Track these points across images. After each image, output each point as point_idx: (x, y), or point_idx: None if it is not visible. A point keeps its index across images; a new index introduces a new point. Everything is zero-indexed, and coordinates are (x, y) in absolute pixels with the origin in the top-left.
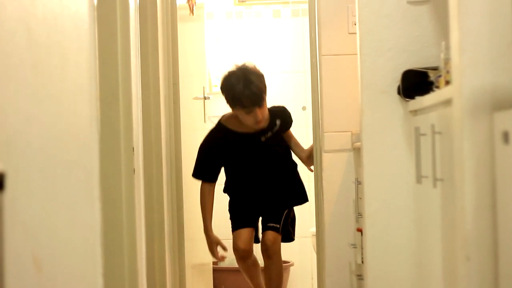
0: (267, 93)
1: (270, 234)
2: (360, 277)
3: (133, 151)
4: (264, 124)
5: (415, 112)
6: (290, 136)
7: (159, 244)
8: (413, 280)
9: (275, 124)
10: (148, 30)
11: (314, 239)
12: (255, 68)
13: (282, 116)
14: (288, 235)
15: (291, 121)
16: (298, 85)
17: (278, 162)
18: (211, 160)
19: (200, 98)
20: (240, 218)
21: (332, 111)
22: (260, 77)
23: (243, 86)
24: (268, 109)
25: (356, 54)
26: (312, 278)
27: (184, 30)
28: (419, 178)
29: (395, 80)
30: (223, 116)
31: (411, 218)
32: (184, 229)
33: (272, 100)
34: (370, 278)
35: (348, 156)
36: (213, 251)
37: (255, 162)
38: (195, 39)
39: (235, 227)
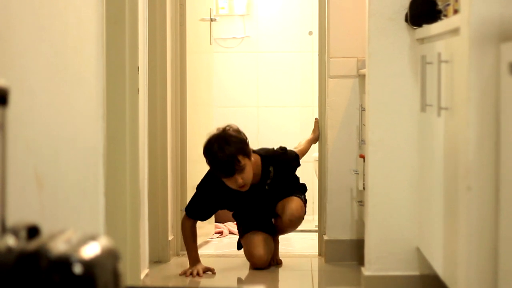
0: (249, 155)
1: (295, 199)
2: (361, 203)
3: (138, 70)
4: (248, 186)
5: (422, 40)
6: (302, 152)
7: (162, 164)
8: (414, 208)
9: (269, 172)
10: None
11: (317, 164)
12: (236, 132)
13: (276, 163)
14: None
15: (292, 165)
16: (305, 9)
17: (285, 195)
18: (208, 204)
19: (206, 20)
20: (249, 220)
21: (338, 37)
22: (238, 143)
23: (219, 155)
24: (261, 155)
25: None
26: (313, 203)
27: None
28: (423, 107)
29: (403, 7)
30: None
31: (414, 146)
32: (187, 150)
33: (279, 23)
34: (371, 204)
35: (353, 82)
36: (191, 271)
37: (261, 206)
38: None
39: (245, 229)
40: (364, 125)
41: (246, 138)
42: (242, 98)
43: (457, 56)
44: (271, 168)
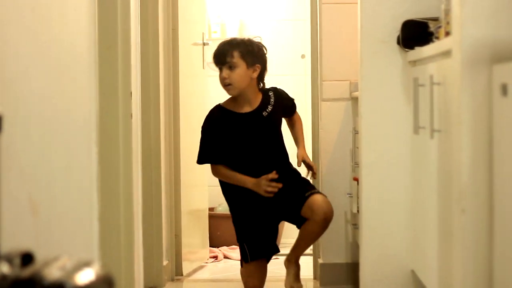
0: (250, 65)
1: (319, 195)
2: (355, 226)
3: (131, 95)
4: (233, 91)
5: (414, 63)
6: (294, 124)
7: (156, 189)
8: (408, 231)
9: (269, 96)
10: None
11: None
12: (254, 41)
13: (276, 92)
14: None
15: (288, 97)
16: (298, 33)
17: (281, 145)
18: (215, 140)
19: (199, 44)
20: (255, 242)
21: (331, 60)
22: (247, 46)
23: (222, 43)
24: (260, 89)
25: (357, 2)
26: None
27: None
28: (416, 129)
29: (395, 30)
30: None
31: (407, 168)
32: (181, 175)
33: (272, 46)
34: (365, 227)
35: (346, 105)
36: (266, 185)
37: (261, 140)
38: None
39: (247, 257)
40: (357, 147)
41: (265, 57)
42: None
43: (449, 78)
44: (271, 93)
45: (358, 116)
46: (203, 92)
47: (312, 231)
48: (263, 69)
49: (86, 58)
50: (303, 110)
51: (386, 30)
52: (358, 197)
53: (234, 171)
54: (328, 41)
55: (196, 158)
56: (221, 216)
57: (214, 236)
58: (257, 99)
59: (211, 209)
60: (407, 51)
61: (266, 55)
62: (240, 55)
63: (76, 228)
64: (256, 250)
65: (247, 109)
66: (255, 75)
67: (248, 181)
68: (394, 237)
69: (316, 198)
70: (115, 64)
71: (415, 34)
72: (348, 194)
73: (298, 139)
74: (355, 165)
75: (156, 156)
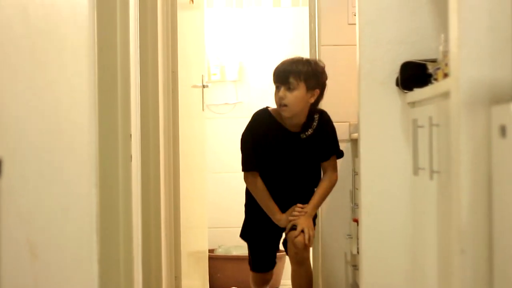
0: (310, 90)
1: (301, 236)
2: (355, 267)
3: (131, 138)
4: (288, 113)
5: (413, 104)
6: (322, 178)
7: (155, 231)
8: (408, 271)
9: (313, 119)
10: (147, 17)
11: None
12: (320, 64)
13: (320, 112)
14: None
15: (332, 130)
16: None
17: (313, 173)
18: (258, 145)
19: (199, 87)
20: (259, 259)
21: (330, 101)
22: (311, 71)
23: (285, 63)
24: (310, 109)
25: (355, 45)
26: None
27: (184, 18)
28: (416, 170)
29: (394, 71)
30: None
31: (407, 209)
32: (180, 217)
33: (271, 88)
34: (366, 268)
35: (346, 146)
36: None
37: (292, 163)
38: (194, 27)
39: (253, 267)
40: (357, 189)
41: (326, 82)
42: (236, 163)
43: (448, 119)
44: (316, 116)
45: (357, 157)
46: (203, 134)
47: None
48: (321, 95)
49: (85, 100)
50: None
51: (384, 71)
52: (358, 238)
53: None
54: (327, 83)
55: (198, 215)
56: (221, 258)
57: (214, 278)
58: (303, 119)
59: (211, 251)
60: (406, 92)
61: (326, 79)
62: (303, 78)
63: (75, 270)
64: (257, 265)
65: (291, 127)
66: (312, 100)
67: (275, 213)
68: (394, 278)
69: (293, 239)
70: (115, 106)
71: (414, 75)
72: (347, 235)
73: (311, 201)
74: (355, 206)
75: (155, 197)
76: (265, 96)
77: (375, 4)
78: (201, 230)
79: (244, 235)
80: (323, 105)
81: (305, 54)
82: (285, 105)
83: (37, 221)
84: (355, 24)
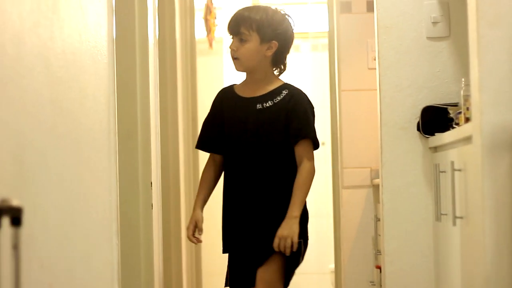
0: (264, 41)
1: (265, 274)
2: None
3: (151, 186)
4: (239, 67)
5: (434, 149)
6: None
7: (177, 280)
8: None
9: (280, 94)
10: (167, 63)
11: (333, 275)
12: (279, 12)
13: (292, 90)
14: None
15: (303, 106)
16: (317, 120)
17: (280, 161)
18: (213, 124)
19: None
20: (235, 273)
21: (351, 147)
22: (266, 21)
23: (240, 10)
24: (285, 83)
25: (376, 89)
26: None
27: (203, 64)
28: (438, 216)
29: (415, 116)
30: None
31: (430, 255)
32: (202, 264)
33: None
34: None
35: (367, 192)
36: (188, 228)
37: (246, 140)
38: (214, 73)
39: (227, 282)
40: (379, 235)
41: (288, 33)
42: None
43: (470, 164)
44: (285, 91)
45: (379, 203)
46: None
47: None
48: (282, 48)
49: (105, 148)
50: (324, 198)
51: (405, 116)
52: (381, 285)
53: (205, 182)
54: (347, 128)
55: (222, 264)
56: None
57: None
58: (268, 87)
59: None
60: (427, 137)
61: (291, 32)
62: (255, 27)
63: None
64: (232, 280)
65: (249, 93)
66: (269, 53)
67: (194, 207)
68: None
69: (259, 273)
70: (135, 153)
71: (435, 120)
72: (370, 282)
73: (290, 203)
74: (377, 252)
75: (177, 246)
76: None
77: (394, 48)
78: (223, 277)
79: (223, 244)
80: (346, 152)
81: (326, 99)
82: (237, 58)
83: (59, 269)
84: (375, 68)
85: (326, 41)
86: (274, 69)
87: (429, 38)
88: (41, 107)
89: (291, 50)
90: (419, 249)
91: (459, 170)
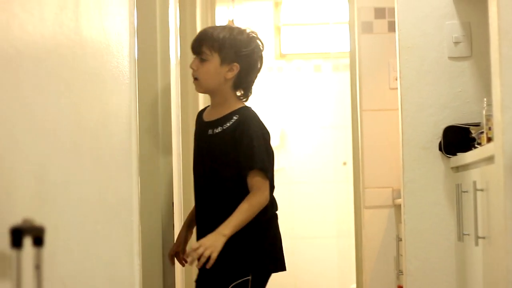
0: (227, 62)
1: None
2: None
3: (173, 206)
4: (198, 88)
5: (456, 169)
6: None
7: None
8: None
9: (230, 119)
10: (189, 83)
11: None
12: (246, 32)
13: (241, 115)
14: None
15: (252, 125)
16: (339, 140)
17: (235, 190)
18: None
19: None
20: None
21: (373, 167)
22: (233, 38)
23: (203, 30)
24: (240, 108)
25: (397, 109)
26: None
27: None
28: (460, 236)
29: (437, 136)
30: None
31: (452, 276)
32: None
33: (313, 154)
34: None
35: (389, 212)
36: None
37: (204, 167)
38: None
39: None
40: (401, 255)
41: (252, 57)
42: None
43: (492, 184)
44: (236, 117)
45: (401, 223)
46: None
47: None
48: (246, 71)
49: (127, 168)
50: (346, 218)
51: (427, 136)
52: None
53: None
54: (369, 148)
55: None
56: None
57: None
58: (224, 111)
59: None
60: (449, 157)
61: (258, 55)
62: (217, 47)
63: None
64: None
65: (208, 117)
66: (230, 75)
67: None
68: None
69: None
70: (157, 174)
71: (457, 140)
72: None
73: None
74: (399, 273)
75: None
76: (307, 162)
77: (416, 68)
78: None
79: None
80: (367, 172)
81: (347, 119)
82: (196, 78)
83: None
84: (396, 88)
85: (347, 61)
86: (237, 93)
87: (450, 58)
88: (63, 127)
89: (313, 70)
90: (441, 269)
91: (481, 190)
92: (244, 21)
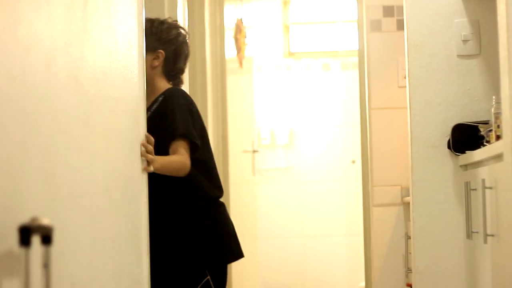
0: (157, 53)
1: None
2: None
3: None
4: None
5: (465, 167)
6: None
7: None
8: None
9: (157, 101)
10: (197, 82)
11: None
12: (165, 21)
13: (165, 93)
14: None
15: (175, 103)
16: (348, 138)
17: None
18: None
19: (249, 151)
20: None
21: (381, 165)
22: (154, 27)
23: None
24: (166, 89)
25: (406, 107)
26: None
27: (234, 82)
28: (469, 234)
29: (445, 134)
30: None
31: (461, 273)
32: (232, 280)
33: (322, 152)
34: None
35: (398, 210)
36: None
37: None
38: (244, 92)
39: None
40: (410, 253)
41: (175, 41)
42: (287, 228)
43: (501, 182)
44: (161, 97)
45: (410, 221)
46: (254, 198)
47: None
48: (173, 58)
49: (136, 167)
50: (355, 216)
51: (436, 134)
52: None
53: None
54: (378, 146)
55: None
56: None
57: None
58: (155, 96)
59: None
60: (458, 155)
61: (183, 41)
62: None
63: None
64: None
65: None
66: (156, 62)
67: None
68: None
69: None
70: None
71: (466, 138)
72: None
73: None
74: (408, 271)
75: None
76: (316, 161)
77: (425, 66)
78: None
79: None
80: (376, 171)
81: (356, 118)
82: None
83: (89, 287)
84: (405, 86)
85: (356, 59)
86: (169, 81)
87: (459, 56)
88: (72, 126)
89: (321, 68)
90: (450, 267)
91: (490, 187)
92: (253, 20)
